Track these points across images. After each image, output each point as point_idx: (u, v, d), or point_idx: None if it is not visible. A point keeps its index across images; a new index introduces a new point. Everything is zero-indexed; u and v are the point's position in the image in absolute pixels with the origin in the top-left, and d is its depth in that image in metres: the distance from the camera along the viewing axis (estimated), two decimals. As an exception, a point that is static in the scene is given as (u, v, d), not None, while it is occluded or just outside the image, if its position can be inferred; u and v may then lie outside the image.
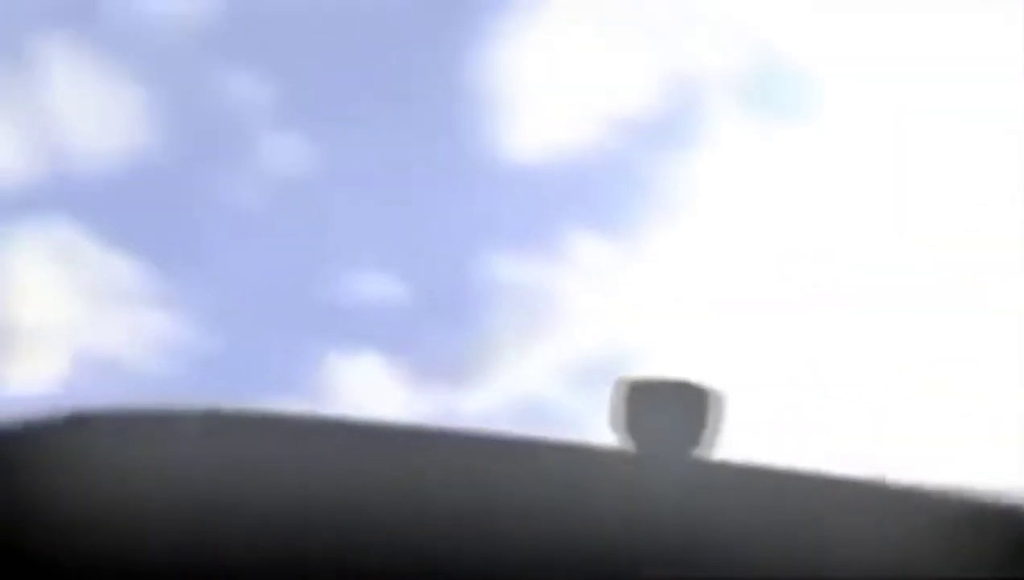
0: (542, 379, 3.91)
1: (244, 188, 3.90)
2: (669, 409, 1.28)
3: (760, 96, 4.01)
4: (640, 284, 3.95)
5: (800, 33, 3.97)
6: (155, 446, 1.12)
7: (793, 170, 3.97)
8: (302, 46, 3.94)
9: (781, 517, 1.17)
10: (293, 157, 3.88)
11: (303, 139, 3.90)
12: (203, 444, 1.17)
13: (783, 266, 3.85)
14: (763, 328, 3.68)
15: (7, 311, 3.69)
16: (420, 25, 3.94)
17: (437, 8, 3.94)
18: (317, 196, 3.91)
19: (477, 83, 3.96)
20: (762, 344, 3.68)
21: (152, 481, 1.08)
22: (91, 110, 3.84)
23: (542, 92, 4.03)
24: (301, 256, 3.88)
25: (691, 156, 4.04)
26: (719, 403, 1.32)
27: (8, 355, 3.65)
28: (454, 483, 1.18)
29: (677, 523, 1.17)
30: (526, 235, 3.96)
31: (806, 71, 3.98)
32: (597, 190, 4.01)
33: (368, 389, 3.78)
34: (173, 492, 1.08)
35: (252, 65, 3.90)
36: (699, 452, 1.29)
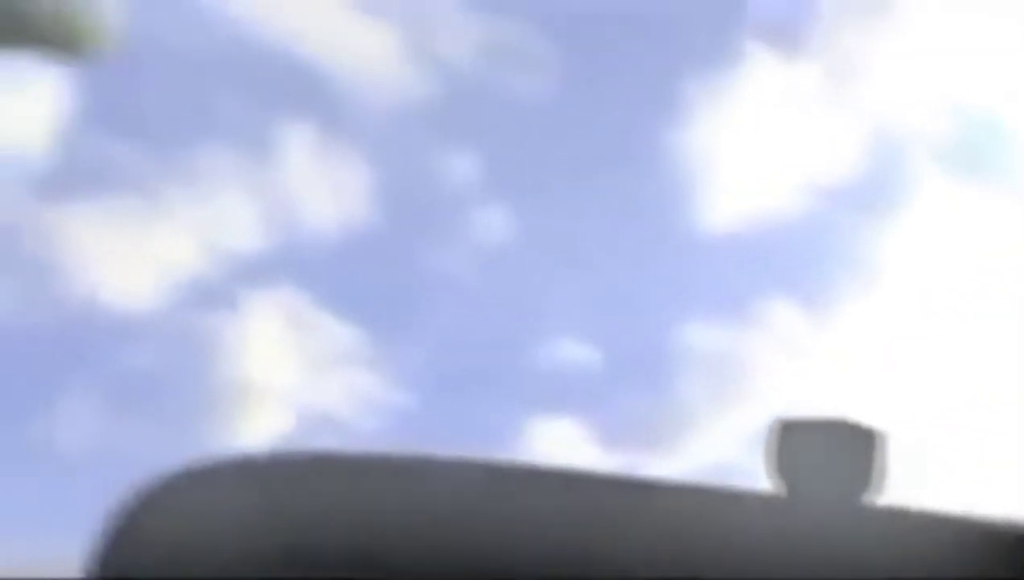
0: (733, 446, 3.96)
1: (453, 258, 4.16)
2: (827, 450, 1.22)
3: (966, 160, 3.91)
4: (834, 351, 3.93)
5: (1009, 94, 3.86)
6: (273, 488, 1.15)
7: (1000, 238, 3.85)
8: (510, 125, 4.17)
9: (957, 568, 1.11)
10: (499, 229, 4.11)
11: (509, 212, 4.12)
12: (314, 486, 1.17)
13: (985, 337, 3.74)
14: (951, 391, 3.59)
15: (240, 370, 4.09)
16: (617, 100, 4.09)
17: (634, 83, 4.08)
18: (520, 266, 4.12)
19: (674, 154, 4.06)
20: (948, 405, 3.60)
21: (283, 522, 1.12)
22: (320, 187, 4.20)
23: (739, 160, 4.09)
24: (504, 323, 4.09)
25: (893, 222, 3.99)
26: (883, 444, 1.24)
27: (239, 411, 4.05)
28: (599, 527, 1.18)
29: (838, 574, 1.12)
30: (720, 303, 4.03)
31: (1015, 134, 3.85)
32: (794, 257, 4.03)
33: (562, 451, 3.94)
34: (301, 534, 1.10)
35: (464, 143, 4.16)
36: (863, 497, 1.22)
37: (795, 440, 1.24)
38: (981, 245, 3.86)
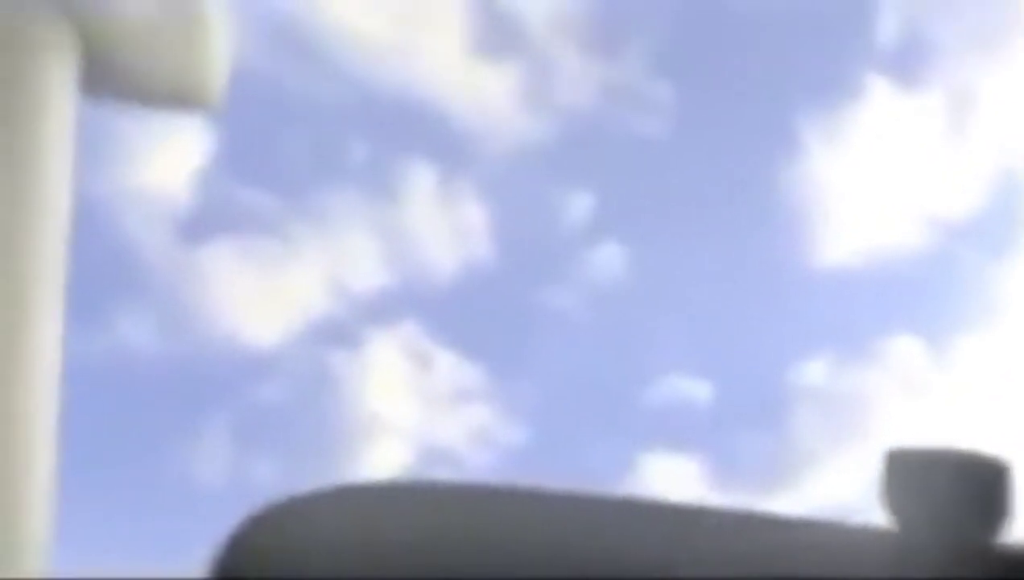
0: (853, 486, 3.88)
1: (568, 296, 4.20)
2: (943, 482, 1.13)
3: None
4: (955, 388, 3.83)
5: None
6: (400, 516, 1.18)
7: None
8: (625, 165, 4.21)
9: None
10: (614, 267, 4.14)
11: (623, 250, 4.15)
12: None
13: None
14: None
15: (363, 405, 4.21)
16: (734, 136, 4.09)
17: (750, 119, 4.07)
18: (634, 303, 4.14)
19: (791, 189, 4.04)
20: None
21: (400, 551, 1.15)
22: (441, 227, 4.31)
23: (857, 194, 4.04)
24: (617, 359, 4.11)
25: (1015, 257, 3.88)
26: (1008, 477, 1.15)
27: (362, 445, 4.16)
28: (709, 562, 1.17)
29: None
30: (838, 339, 3.97)
31: None
32: (914, 293, 3.94)
33: (674, 488, 3.93)
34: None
35: (580, 183, 4.22)
36: (986, 535, 1.14)
37: (908, 472, 1.13)
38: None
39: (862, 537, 1.14)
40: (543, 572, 1.18)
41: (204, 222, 4.22)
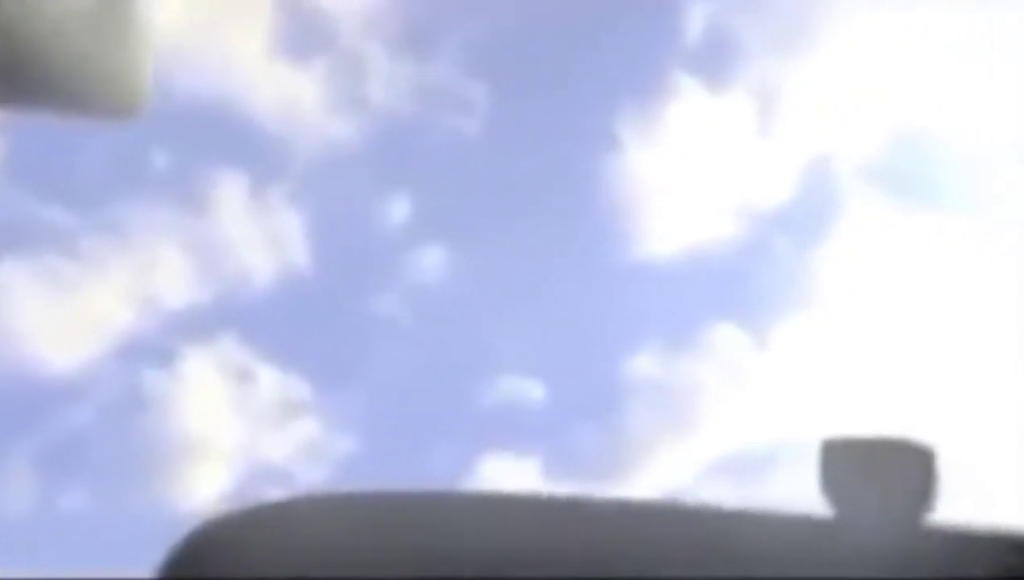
0: (686, 475, 3.96)
1: (392, 302, 4.13)
2: (878, 469, 1.17)
3: (893, 180, 4.00)
4: (779, 374, 3.96)
5: (931, 114, 3.95)
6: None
7: (935, 254, 3.93)
8: (442, 167, 4.17)
9: None
10: (436, 270, 4.09)
11: (445, 252, 4.11)
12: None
13: (922, 351, 3.81)
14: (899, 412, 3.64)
15: (183, 426, 4.01)
16: (549, 136, 4.11)
17: (564, 118, 4.11)
18: (460, 305, 4.11)
19: (608, 186, 4.09)
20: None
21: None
22: (255, 237, 4.16)
23: (674, 189, 4.13)
24: (446, 362, 4.07)
25: (826, 243, 4.05)
26: (936, 461, 1.19)
27: (184, 468, 3.96)
28: (645, 557, 1.16)
29: None
30: (664, 331, 4.05)
31: (948, 151, 3.95)
32: (733, 282, 4.07)
33: (513, 487, 3.91)
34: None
35: (397, 186, 4.15)
36: (919, 517, 1.18)
37: (843, 460, 1.17)
38: (912, 261, 3.93)
39: (803, 525, 1.17)
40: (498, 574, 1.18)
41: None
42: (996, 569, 1.10)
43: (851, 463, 1.18)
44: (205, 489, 3.96)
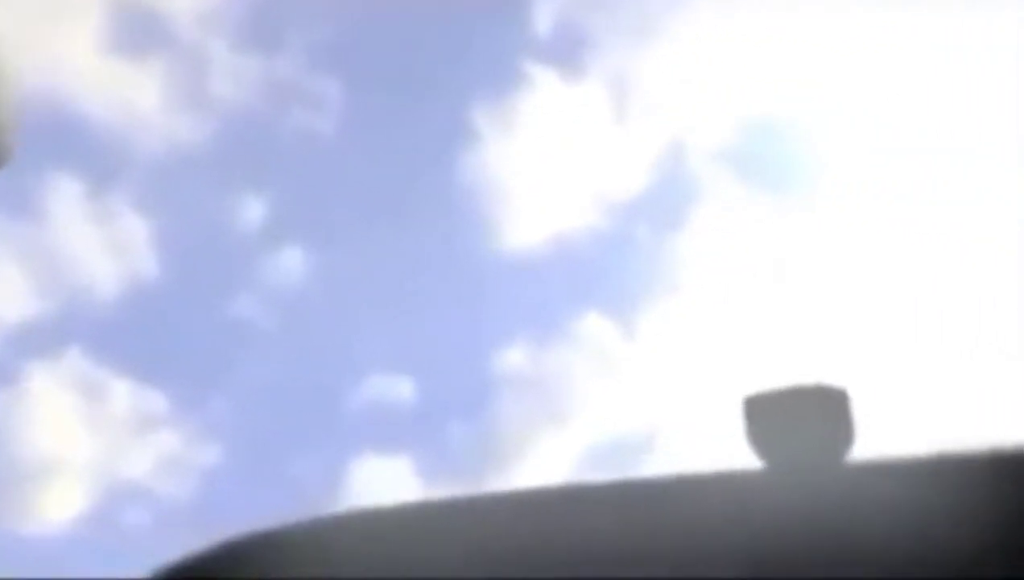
0: (562, 465, 3.94)
1: (249, 306, 3.97)
2: (802, 416, 1.20)
3: (748, 166, 4.08)
4: (646, 360, 3.99)
5: (791, 99, 4.06)
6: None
7: (789, 235, 4.03)
8: (295, 165, 4.03)
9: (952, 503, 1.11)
10: (295, 271, 3.96)
11: (303, 253, 3.98)
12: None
13: (775, 333, 3.89)
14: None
15: (31, 446, 3.74)
16: (404, 131, 4.04)
17: (420, 113, 4.04)
18: (322, 306, 3.98)
19: (468, 180, 4.04)
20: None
21: None
22: (95, 244, 3.93)
23: (533, 181, 4.12)
24: (311, 366, 3.93)
25: (684, 229, 4.11)
26: (850, 402, 1.22)
27: (36, 490, 3.70)
28: (610, 532, 1.17)
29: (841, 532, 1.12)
30: (533, 323, 4.02)
31: (791, 137, 4.06)
32: (597, 272, 4.08)
33: (388, 489, 3.81)
34: None
35: (248, 186, 3.99)
36: (842, 456, 1.20)
37: (766, 412, 1.21)
38: (768, 245, 4.02)
39: (736, 479, 1.21)
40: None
41: None
42: (921, 493, 1.14)
43: (775, 414, 1.21)
44: (61, 511, 3.71)
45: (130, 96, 3.96)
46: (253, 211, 3.98)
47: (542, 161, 4.11)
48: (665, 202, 4.10)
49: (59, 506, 3.68)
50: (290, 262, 3.96)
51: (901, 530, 1.12)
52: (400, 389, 3.90)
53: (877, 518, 1.13)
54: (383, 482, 3.81)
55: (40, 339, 3.79)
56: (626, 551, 1.16)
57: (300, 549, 1.16)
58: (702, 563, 1.15)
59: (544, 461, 3.93)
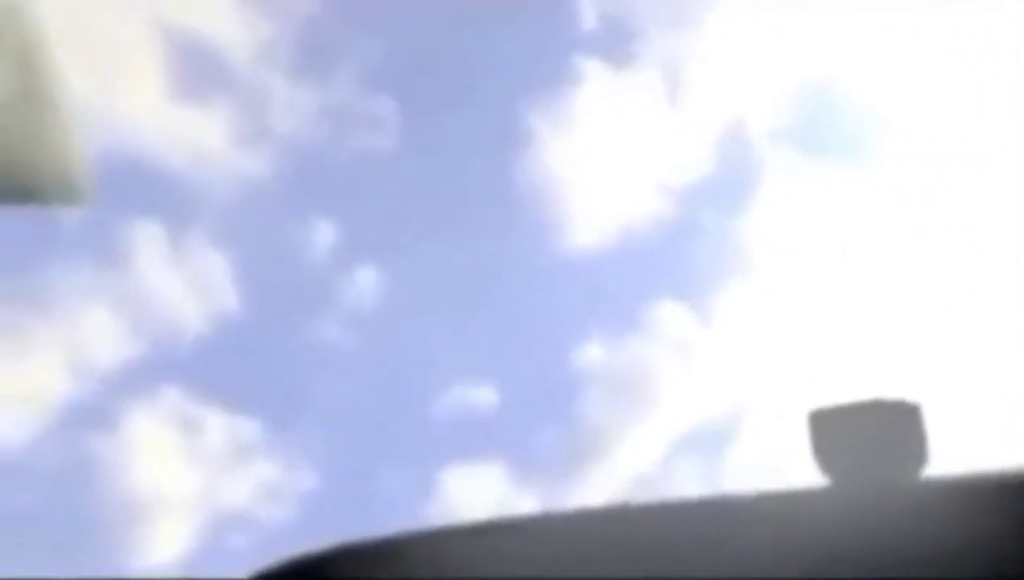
0: (648, 457, 3.98)
1: (330, 328, 4.07)
2: (867, 432, 1.17)
3: (808, 139, 4.04)
4: (725, 345, 4.00)
5: (851, 70, 4.00)
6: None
7: (856, 208, 3.98)
8: (361, 186, 4.12)
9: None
10: (371, 290, 4.05)
11: (377, 271, 4.07)
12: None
13: (857, 303, 3.86)
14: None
15: (135, 485, 3.91)
16: (463, 140, 4.08)
17: (476, 121, 4.08)
18: (399, 322, 4.07)
19: (528, 181, 4.08)
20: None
21: None
22: (180, 283, 4.07)
23: (596, 175, 4.13)
24: (395, 382, 4.03)
25: (753, 208, 4.09)
26: (922, 417, 1.17)
27: (144, 527, 3.87)
28: (672, 556, 1.15)
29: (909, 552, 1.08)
30: (608, 318, 4.05)
31: (860, 108, 4.00)
32: (666, 260, 4.08)
33: (481, 495, 3.90)
34: None
35: (318, 212, 4.09)
36: (911, 473, 1.17)
37: (832, 427, 1.17)
38: (835, 218, 3.98)
39: (802, 498, 1.18)
40: None
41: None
42: (998, 512, 1.10)
43: (841, 429, 1.18)
44: (170, 544, 3.88)
45: (197, 138, 4.08)
46: (324, 235, 4.08)
47: (600, 154, 4.13)
48: (729, 184, 4.09)
49: (167, 541, 3.85)
50: (364, 281, 4.06)
51: (974, 553, 1.09)
52: (483, 396, 3.98)
53: (949, 540, 1.10)
54: (474, 490, 3.89)
55: (135, 380, 3.96)
56: (686, 570, 1.15)
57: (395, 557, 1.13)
58: None
59: (633, 455, 3.97)
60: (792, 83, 4.02)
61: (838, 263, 3.95)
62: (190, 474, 3.94)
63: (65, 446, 3.94)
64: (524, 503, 3.87)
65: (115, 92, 4.07)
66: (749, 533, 1.17)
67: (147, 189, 4.06)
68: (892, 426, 1.17)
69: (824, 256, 3.96)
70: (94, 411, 3.92)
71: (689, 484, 3.88)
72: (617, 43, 4.10)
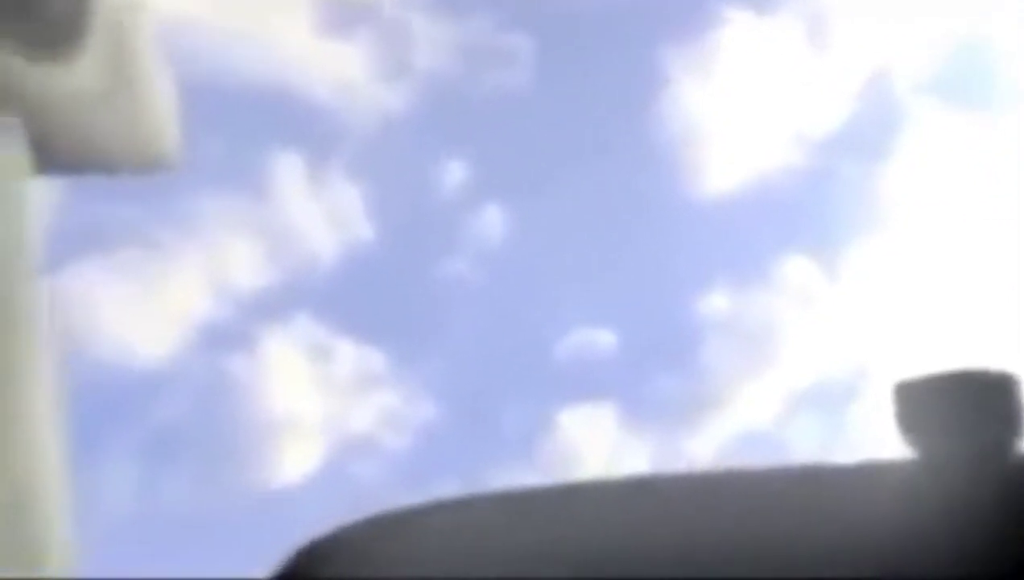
0: (766, 412, 3.95)
1: (458, 264, 4.15)
2: (960, 404, 1.11)
3: (952, 91, 3.87)
4: (853, 302, 3.91)
5: (987, 21, 3.81)
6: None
7: (994, 161, 3.81)
8: (494, 124, 4.15)
9: None
10: (499, 228, 4.10)
11: (506, 210, 4.11)
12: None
13: (995, 264, 3.72)
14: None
15: (267, 406, 4.11)
16: (598, 82, 4.06)
17: (613, 63, 4.05)
18: (526, 261, 4.11)
19: (663, 126, 4.04)
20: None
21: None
22: (317, 213, 4.20)
23: (730, 122, 4.06)
24: (518, 320, 4.09)
25: (890, 162, 3.96)
26: (1018, 389, 1.12)
27: (272, 447, 4.07)
28: (756, 523, 1.12)
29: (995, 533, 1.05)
30: (732, 267, 4.01)
31: (998, 59, 3.81)
32: (798, 211, 4.00)
33: (598, 440, 3.95)
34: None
35: (451, 149, 4.15)
36: (1004, 448, 1.12)
37: (920, 399, 1.10)
38: (978, 171, 3.82)
39: (888, 472, 1.12)
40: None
41: (63, 242, 4.03)
42: None
43: (928, 402, 1.12)
44: (298, 465, 4.06)
45: (341, 71, 4.18)
46: (456, 173, 4.14)
47: (739, 101, 4.05)
48: (868, 135, 3.96)
49: (296, 461, 4.04)
50: (493, 219, 4.11)
51: None
52: (603, 339, 4.01)
53: None
54: (587, 431, 3.94)
55: (271, 305, 4.13)
56: (757, 547, 1.11)
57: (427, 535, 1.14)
58: (839, 562, 1.08)
59: (749, 408, 3.95)
60: (940, 35, 3.85)
61: (977, 222, 3.80)
62: (318, 398, 4.11)
63: (206, 363, 4.16)
64: (636, 448, 3.91)
65: (266, 26, 4.19)
66: (818, 505, 1.11)
67: (290, 119, 4.18)
68: (984, 398, 1.11)
69: (963, 214, 3.82)
70: (232, 332, 4.11)
71: (805, 443, 3.85)
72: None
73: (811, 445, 3.75)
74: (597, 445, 3.94)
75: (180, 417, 4.13)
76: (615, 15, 4.06)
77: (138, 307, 4.18)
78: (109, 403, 4.08)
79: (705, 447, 3.84)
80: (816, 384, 3.89)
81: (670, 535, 1.11)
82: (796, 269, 3.94)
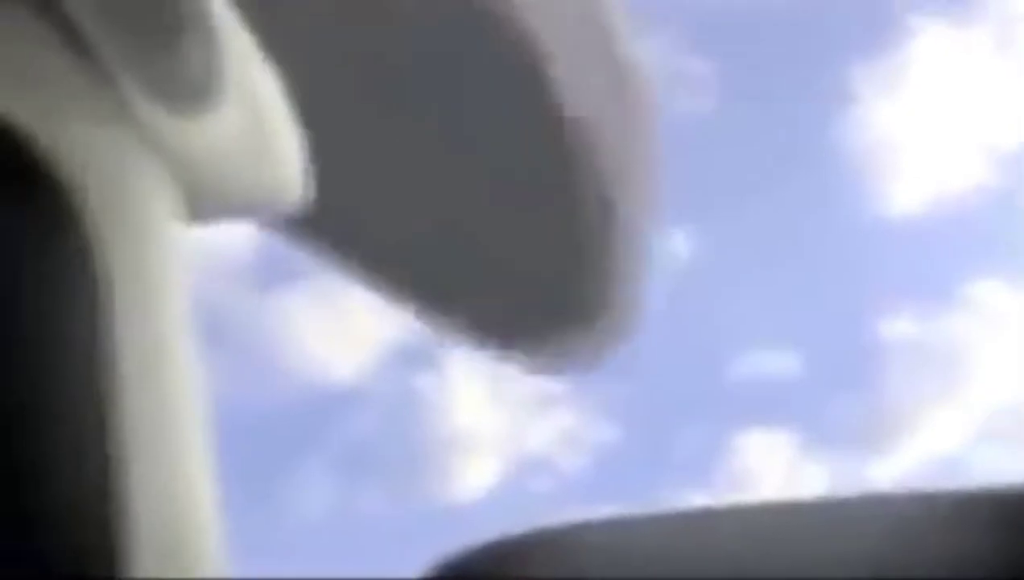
0: (955, 439, 3.80)
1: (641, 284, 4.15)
2: None
3: None
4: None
5: None
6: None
7: None
8: (677, 147, 4.14)
9: None
10: (681, 249, 4.08)
11: (689, 232, 4.10)
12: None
13: None
14: None
15: (450, 423, 4.22)
16: (783, 101, 4.00)
17: (797, 82, 3.98)
18: (708, 283, 4.08)
19: (850, 145, 3.94)
20: None
21: None
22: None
23: (922, 140, 3.93)
24: (698, 342, 4.06)
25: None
26: None
27: (454, 463, 4.17)
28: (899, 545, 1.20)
29: None
30: (920, 290, 3.87)
31: None
32: (989, 233, 3.83)
33: (774, 463, 3.88)
34: None
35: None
36: None
37: None
38: None
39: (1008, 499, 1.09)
40: None
41: (271, 270, 4.24)
42: None
43: None
44: (479, 480, 4.15)
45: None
46: (640, 193, 4.15)
47: (928, 118, 3.91)
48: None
49: (475, 477, 4.13)
50: (676, 242, 4.10)
51: None
52: (784, 362, 3.94)
53: None
54: (766, 457, 3.88)
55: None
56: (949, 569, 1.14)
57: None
58: None
59: (936, 436, 3.81)
60: None
61: None
62: (497, 416, 4.19)
63: (396, 380, 4.30)
64: (813, 474, 3.82)
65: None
66: (944, 529, 1.11)
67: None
68: None
69: None
70: (417, 353, 4.24)
71: (992, 470, 3.68)
72: (953, 3, 3.85)
73: (999, 472, 3.58)
74: (775, 469, 3.88)
75: (369, 431, 4.28)
76: (799, 36, 3.99)
77: (333, 329, 4.36)
78: (307, 416, 4.26)
79: (888, 473, 3.72)
80: (1005, 410, 3.71)
81: (841, 558, 1.12)
82: (986, 291, 3.78)
